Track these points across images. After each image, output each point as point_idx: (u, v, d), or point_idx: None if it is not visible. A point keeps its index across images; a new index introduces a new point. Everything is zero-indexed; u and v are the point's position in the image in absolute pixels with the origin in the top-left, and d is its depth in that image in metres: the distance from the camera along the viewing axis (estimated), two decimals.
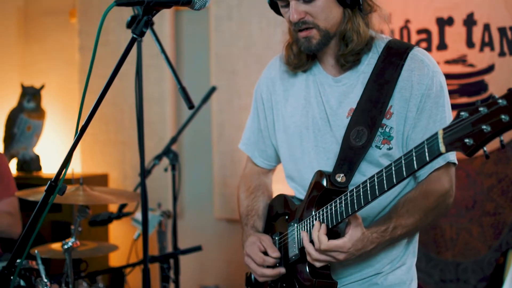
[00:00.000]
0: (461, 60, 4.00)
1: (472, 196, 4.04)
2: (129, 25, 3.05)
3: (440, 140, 1.77)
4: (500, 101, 1.63)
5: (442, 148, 1.77)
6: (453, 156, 2.32)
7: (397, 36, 4.16)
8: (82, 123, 1.82)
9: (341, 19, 2.36)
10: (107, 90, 1.75)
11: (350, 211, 2.13)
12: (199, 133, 5.16)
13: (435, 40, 4.06)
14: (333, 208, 2.20)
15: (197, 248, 3.96)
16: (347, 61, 2.38)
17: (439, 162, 2.28)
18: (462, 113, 1.71)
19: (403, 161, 1.93)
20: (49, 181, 1.82)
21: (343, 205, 2.15)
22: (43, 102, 5.52)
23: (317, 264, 2.25)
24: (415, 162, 1.88)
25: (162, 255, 3.84)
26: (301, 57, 2.49)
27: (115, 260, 5.40)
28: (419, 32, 4.12)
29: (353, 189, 2.12)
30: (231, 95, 4.97)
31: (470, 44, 3.97)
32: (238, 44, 4.95)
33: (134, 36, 1.77)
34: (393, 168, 1.97)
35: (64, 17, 5.78)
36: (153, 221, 3.98)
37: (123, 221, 4.53)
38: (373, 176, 2.05)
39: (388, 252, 2.42)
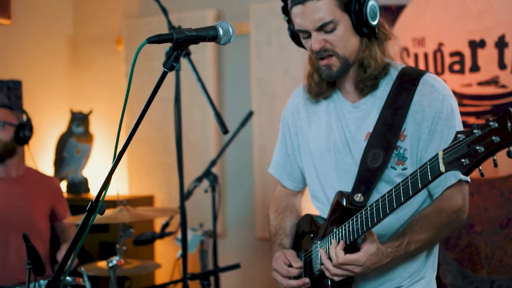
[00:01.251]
0: (494, 81, 4.05)
1: (507, 214, 4.08)
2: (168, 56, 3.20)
3: (441, 161, 1.92)
4: (491, 123, 1.79)
5: (442, 168, 1.92)
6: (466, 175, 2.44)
7: (431, 59, 4.25)
8: (119, 147, 1.95)
9: (359, 47, 2.51)
10: (141, 119, 1.90)
11: (365, 228, 2.28)
12: (242, 155, 5.27)
13: (468, 62, 4.13)
14: (350, 225, 2.34)
15: (236, 266, 4.06)
16: (366, 86, 2.53)
17: (451, 180, 2.42)
18: (459, 135, 1.87)
19: (409, 181, 2.08)
20: (90, 202, 1.97)
21: (359, 223, 2.30)
22: (91, 126, 5.70)
23: (336, 279, 2.39)
24: (419, 181, 2.03)
25: (202, 272, 3.95)
26: (322, 85, 2.63)
27: (161, 277, 5.53)
28: (452, 54, 4.19)
29: (367, 208, 2.27)
30: (271, 118, 5.08)
31: (502, 65, 4.03)
32: (278, 69, 5.07)
33: (165, 70, 1.92)
34: (401, 187, 2.12)
35: (111, 45, 5.98)
36: (195, 241, 4.11)
37: (168, 241, 4.67)
38: (384, 195, 2.19)
39: (408, 266, 2.53)
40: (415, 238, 2.38)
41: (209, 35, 1.94)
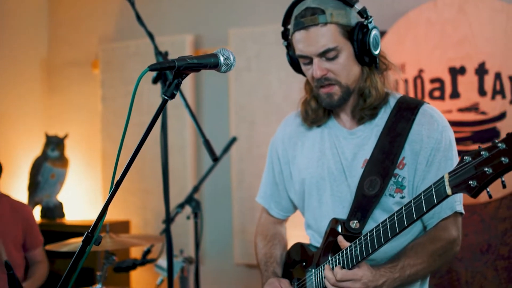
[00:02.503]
0: (474, 108, 4.08)
1: (487, 240, 4.10)
2: (154, 81, 3.17)
3: (446, 183, 1.91)
4: (499, 144, 1.79)
5: (449, 190, 1.91)
6: (459, 207, 2.44)
7: (411, 85, 4.26)
8: (117, 176, 1.91)
9: (360, 76, 2.51)
10: (140, 147, 1.86)
11: (365, 253, 2.26)
12: (219, 181, 5.24)
13: (448, 89, 4.15)
14: (348, 252, 2.32)
15: None
16: (365, 115, 2.52)
17: (446, 212, 2.42)
18: (466, 157, 1.86)
19: (412, 205, 2.06)
20: (86, 232, 1.93)
21: (358, 249, 2.28)
22: (66, 150, 5.64)
23: None
24: (424, 205, 2.02)
25: None
26: (319, 112, 2.63)
27: None
28: (432, 81, 4.21)
29: (367, 233, 2.26)
30: (250, 144, 5.07)
31: (482, 92, 4.06)
32: (258, 94, 5.06)
33: (165, 98, 1.89)
34: (403, 212, 2.10)
35: (86, 68, 5.93)
36: (175, 267, 4.06)
37: (145, 267, 4.62)
38: (385, 220, 2.18)
39: None
40: (409, 263, 2.38)
41: (210, 62, 1.93)
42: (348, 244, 2.36)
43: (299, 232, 3.02)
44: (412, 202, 2.08)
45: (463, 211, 2.47)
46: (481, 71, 4.06)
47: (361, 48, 2.45)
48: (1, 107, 5.29)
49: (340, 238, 2.39)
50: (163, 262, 4.04)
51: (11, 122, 5.64)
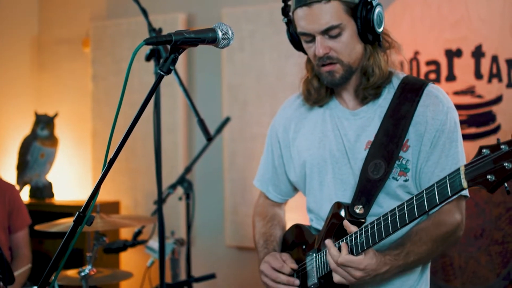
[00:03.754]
0: (470, 91, 4.05)
1: (481, 225, 4.08)
2: (147, 59, 3.11)
3: (462, 176, 1.85)
4: None
5: (464, 183, 1.85)
6: (465, 191, 2.39)
7: (406, 67, 4.22)
8: (110, 155, 1.86)
9: (363, 54, 2.46)
10: (134, 124, 1.81)
11: (371, 242, 2.21)
12: (211, 162, 5.20)
13: (444, 72, 4.11)
14: (353, 239, 2.27)
15: (211, 276, 4.01)
16: (369, 94, 2.47)
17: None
18: (484, 150, 1.80)
19: (424, 196, 2.01)
20: (77, 212, 1.88)
21: (364, 237, 2.22)
22: (56, 130, 5.60)
23: (335, 278, 2.31)
24: (437, 197, 1.97)
25: (176, 282, 3.89)
26: (321, 91, 2.57)
27: (127, 287, 5.44)
28: (428, 63, 4.18)
29: (373, 221, 2.20)
30: (243, 124, 5.03)
31: (478, 75, 4.02)
32: (250, 75, 5.02)
33: (161, 73, 1.83)
34: (414, 202, 2.05)
35: (77, 46, 5.86)
36: (166, 249, 4.03)
37: (135, 249, 4.58)
38: (394, 209, 2.13)
39: (405, 280, 2.50)
40: (414, 250, 2.34)
41: (208, 37, 1.87)
42: (355, 229, 2.31)
43: (294, 215, 2.99)
44: (424, 192, 2.03)
45: (468, 195, 2.43)
46: (477, 54, 4.03)
47: (364, 26, 2.39)
48: None
49: (347, 223, 2.34)
50: (153, 243, 4.01)
51: (0, 100, 5.57)
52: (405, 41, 4.22)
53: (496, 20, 3.96)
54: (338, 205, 2.43)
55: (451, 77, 4.11)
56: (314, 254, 2.49)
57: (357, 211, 2.39)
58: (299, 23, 2.45)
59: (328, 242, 2.34)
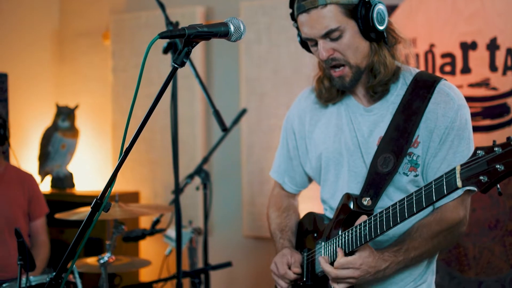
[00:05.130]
0: (484, 83, 4.06)
1: (495, 216, 4.10)
2: (165, 51, 3.17)
3: (458, 175, 1.89)
4: None
5: (459, 183, 1.89)
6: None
7: (421, 60, 4.25)
8: (126, 145, 1.93)
9: (369, 52, 2.48)
10: (150, 115, 1.87)
11: (373, 234, 2.26)
12: (229, 153, 5.26)
13: (459, 64, 4.14)
14: (357, 230, 2.33)
15: (227, 264, 4.06)
16: (376, 92, 2.50)
17: (458, 192, 2.36)
18: (479, 152, 1.84)
19: (423, 192, 2.05)
20: (95, 199, 1.94)
21: (367, 229, 2.28)
22: (77, 121, 5.67)
23: (337, 286, 2.37)
24: (434, 194, 2.01)
25: (193, 270, 3.93)
26: (332, 91, 2.62)
27: (146, 275, 5.51)
28: (443, 56, 4.20)
29: (376, 214, 2.25)
30: (260, 116, 5.08)
31: (493, 68, 4.04)
32: (267, 67, 5.06)
33: (176, 66, 1.89)
34: (413, 198, 2.09)
35: (97, 39, 5.93)
36: (184, 238, 4.08)
37: (154, 237, 4.65)
38: (396, 203, 2.18)
39: (411, 271, 2.53)
40: (414, 245, 2.38)
41: (220, 31, 1.92)
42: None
43: (308, 205, 3.03)
44: (423, 189, 2.06)
45: (475, 189, 2.45)
46: (492, 46, 4.04)
47: (365, 25, 2.41)
48: (13, 78, 5.29)
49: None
50: (172, 232, 4.07)
51: (22, 93, 5.65)
52: (421, 34, 4.25)
53: (511, 12, 3.98)
54: (347, 197, 2.47)
55: (466, 70, 4.13)
56: (322, 243, 2.54)
57: (365, 203, 2.43)
58: (302, 29, 2.49)
59: (321, 259, 2.43)
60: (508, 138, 1.80)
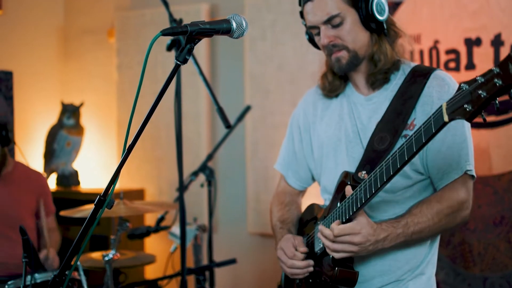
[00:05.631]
0: None
1: (500, 212, 4.10)
2: (168, 48, 3.18)
3: (444, 111, 1.91)
4: (494, 69, 1.81)
5: (446, 117, 1.91)
6: (470, 167, 2.44)
7: (426, 56, 4.25)
8: (129, 141, 1.93)
9: (369, 42, 2.58)
10: (152, 112, 1.88)
11: (368, 194, 2.25)
12: (234, 150, 5.27)
13: (464, 60, 4.13)
14: (352, 197, 2.33)
15: (232, 261, 4.06)
16: (377, 79, 2.59)
17: (457, 172, 2.43)
18: (462, 85, 1.88)
19: (413, 138, 2.07)
20: (98, 196, 1.94)
21: (362, 191, 2.28)
22: (82, 119, 5.68)
23: (336, 255, 2.37)
24: (423, 136, 2.02)
25: (198, 267, 3.93)
26: (335, 83, 2.70)
27: (151, 272, 5.52)
28: (448, 52, 4.20)
29: (371, 175, 2.25)
30: (264, 113, 5.08)
31: (497, 64, 4.03)
32: (272, 64, 5.07)
33: (178, 63, 1.90)
34: (404, 146, 2.10)
35: (102, 36, 5.94)
36: (189, 235, 4.08)
37: (159, 235, 4.66)
38: (388, 158, 2.18)
39: (409, 259, 2.54)
40: (413, 220, 2.40)
41: (222, 28, 1.93)
42: (352, 191, 2.38)
43: (310, 201, 3.04)
44: (413, 135, 2.08)
45: (474, 174, 2.47)
46: (497, 42, 4.04)
47: (365, 14, 2.52)
48: (18, 76, 5.31)
49: (348, 189, 2.42)
50: (176, 229, 4.07)
51: (27, 90, 5.66)
52: (425, 30, 4.25)
53: None
54: (345, 174, 2.52)
55: (470, 66, 4.13)
56: (321, 222, 2.58)
57: (361, 176, 2.47)
58: (307, 18, 2.60)
59: (321, 226, 2.44)
60: (490, 69, 1.83)
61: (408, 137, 2.11)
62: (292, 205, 2.93)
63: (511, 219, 4.08)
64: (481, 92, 1.81)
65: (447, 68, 4.18)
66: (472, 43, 4.12)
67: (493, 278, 4.14)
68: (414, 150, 2.07)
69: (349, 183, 2.47)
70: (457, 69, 4.15)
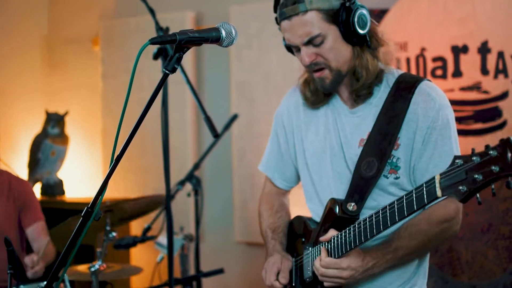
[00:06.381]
0: (476, 87, 4.05)
1: (488, 220, 4.09)
2: (155, 57, 3.15)
3: (437, 185, 1.89)
4: (491, 152, 1.75)
5: (439, 192, 1.89)
6: None
7: (413, 64, 4.24)
8: (117, 151, 1.90)
9: (351, 56, 2.49)
10: (141, 121, 1.85)
11: (357, 242, 2.28)
12: (220, 158, 5.24)
13: (450, 68, 4.12)
14: (342, 237, 2.34)
15: (219, 271, 4.03)
16: (360, 95, 2.52)
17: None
18: (457, 161, 1.83)
19: (404, 201, 2.06)
20: (86, 207, 1.92)
21: (352, 236, 2.29)
22: (66, 128, 5.64)
23: (326, 282, 2.39)
24: (415, 203, 2.02)
25: (185, 277, 3.91)
26: (318, 94, 2.64)
27: (137, 283, 5.48)
28: (435, 59, 4.19)
29: (360, 221, 2.26)
30: (251, 121, 5.06)
31: (484, 71, 4.03)
32: (258, 72, 5.05)
33: (167, 72, 1.87)
34: (395, 207, 2.09)
35: (87, 45, 5.91)
36: (176, 245, 4.06)
37: (145, 244, 4.62)
38: (378, 211, 2.18)
39: (400, 275, 2.52)
40: (403, 244, 2.38)
41: (211, 36, 1.91)
42: (331, 235, 2.40)
43: (298, 209, 3.02)
44: (404, 198, 2.07)
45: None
46: (483, 49, 4.03)
47: (346, 30, 2.43)
48: (2, 84, 5.27)
49: (322, 238, 2.45)
50: (163, 239, 4.04)
51: (11, 99, 5.62)
52: (412, 37, 4.24)
53: (502, 16, 3.97)
54: (333, 201, 2.49)
55: (457, 73, 4.12)
56: (310, 248, 2.57)
57: (350, 208, 2.44)
58: (285, 35, 2.52)
59: (316, 261, 2.44)
60: (486, 147, 1.78)
61: (399, 199, 2.10)
62: (283, 210, 2.91)
63: (499, 226, 4.07)
64: (477, 176, 1.77)
65: (433, 75, 4.17)
66: (459, 51, 4.11)
67: (481, 285, 4.13)
68: (405, 215, 2.07)
69: (337, 212, 2.45)
70: (444, 76, 4.15)
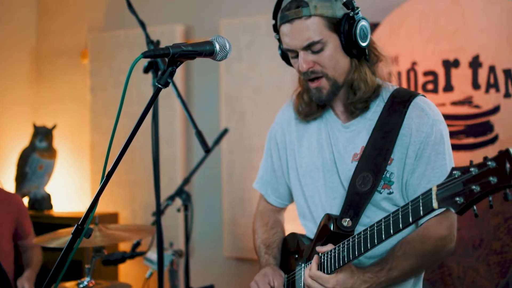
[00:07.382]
0: (467, 101, 4.05)
1: (479, 235, 4.07)
2: (145, 71, 3.12)
3: (434, 196, 1.86)
4: (489, 163, 1.72)
5: (435, 204, 1.86)
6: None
7: (404, 78, 4.23)
8: (108, 167, 1.87)
9: (349, 68, 2.47)
10: (133, 137, 1.81)
11: (351, 256, 2.25)
12: (209, 173, 5.20)
13: (442, 82, 4.12)
14: (336, 252, 2.31)
15: (209, 287, 4.00)
16: (356, 109, 2.49)
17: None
18: (455, 172, 1.80)
19: (400, 214, 2.03)
20: (76, 225, 1.88)
21: (345, 251, 2.27)
22: (54, 141, 5.59)
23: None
24: (410, 216, 1.99)
25: None
26: (312, 105, 2.61)
27: None
28: (426, 74, 4.18)
29: (355, 236, 2.24)
30: (241, 135, 5.03)
31: (475, 85, 4.02)
32: (248, 86, 5.02)
33: (159, 86, 1.84)
34: (390, 219, 2.07)
35: (75, 58, 5.87)
36: (165, 260, 4.02)
37: (133, 260, 4.57)
38: (373, 225, 2.16)
39: None
40: (397, 265, 2.35)
41: (205, 50, 1.88)
42: (328, 248, 2.37)
43: (292, 225, 2.99)
44: (400, 211, 2.04)
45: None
46: (475, 64, 4.03)
47: (347, 40, 2.41)
48: None
49: (319, 249, 2.42)
50: (152, 255, 4.00)
51: None
52: (403, 52, 4.23)
53: (493, 30, 3.97)
54: (328, 217, 2.47)
55: (448, 88, 4.11)
56: (302, 264, 2.55)
57: (345, 224, 2.42)
58: (283, 40, 2.48)
59: (307, 279, 2.41)
60: (484, 158, 1.76)
61: (395, 212, 2.07)
62: (277, 227, 2.89)
63: (490, 242, 4.05)
64: (474, 187, 1.74)
65: (425, 90, 4.16)
66: (450, 65, 4.10)
67: None
68: (401, 227, 2.05)
69: (332, 229, 2.42)
70: (435, 91, 4.14)
